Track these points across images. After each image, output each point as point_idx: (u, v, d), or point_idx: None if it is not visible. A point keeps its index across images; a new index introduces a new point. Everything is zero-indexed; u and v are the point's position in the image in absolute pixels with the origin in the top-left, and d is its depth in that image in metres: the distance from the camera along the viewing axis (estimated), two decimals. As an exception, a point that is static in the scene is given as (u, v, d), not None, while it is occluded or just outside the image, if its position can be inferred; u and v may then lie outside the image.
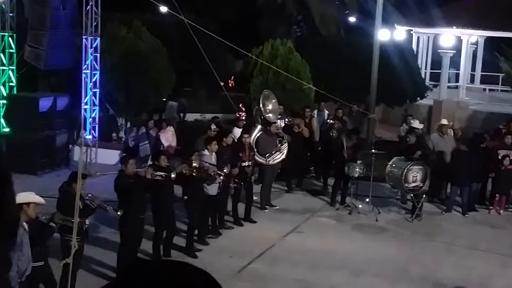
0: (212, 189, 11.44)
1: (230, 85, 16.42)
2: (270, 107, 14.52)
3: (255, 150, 13.37)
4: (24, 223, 7.55)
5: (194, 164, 10.74)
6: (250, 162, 12.80)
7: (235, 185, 12.57)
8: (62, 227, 8.45)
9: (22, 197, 7.47)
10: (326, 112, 17.47)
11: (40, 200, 7.81)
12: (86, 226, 8.76)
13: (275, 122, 14.31)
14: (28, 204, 7.55)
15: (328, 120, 16.46)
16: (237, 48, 16.74)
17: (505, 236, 12.67)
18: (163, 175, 10.09)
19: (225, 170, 11.55)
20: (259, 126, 14.20)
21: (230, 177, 12.10)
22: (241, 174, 12.54)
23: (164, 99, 20.08)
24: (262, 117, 14.32)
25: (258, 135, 13.89)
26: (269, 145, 13.75)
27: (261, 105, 14.42)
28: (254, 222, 12.94)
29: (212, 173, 11.16)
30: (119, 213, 9.35)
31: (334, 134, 14.78)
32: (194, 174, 10.76)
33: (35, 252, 7.82)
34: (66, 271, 8.09)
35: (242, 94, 18.93)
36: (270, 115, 14.32)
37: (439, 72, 24.81)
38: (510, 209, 14.44)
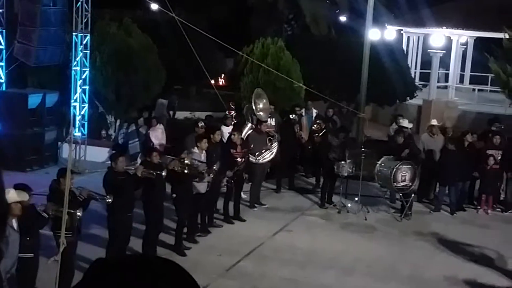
0: (201, 187, 11.43)
1: (221, 83, 16.39)
2: (261, 105, 14.52)
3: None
4: (13, 221, 7.50)
5: (186, 161, 10.72)
6: (242, 159, 12.73)
7: (227, 184, 12.53)
8: (54, 223, 8.41)
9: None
10: (314, 111, 17.47)
11: (20, 197, 7.64)
12: (79, 217, 8.67)
13: (265, 121, 14.31)
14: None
15: (315, 124, 16.34)
16: (228, 46, 16.71)
17: (493, 235, 12.73)
18: (154, 173, 10.06)
19: (214, 168, 11.54)
20: (249, 124, 14.19)
21: (221, 175, 12.08)
22: (234, 169, 12.50)
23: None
24: (253, 115, 14.32)
25: (248, 133, 13.87)
26: (259, 144, 13.74)
27: (252, 103, 14.41)
28: (243, 221, 12.94)
29: (202, 171, 11.14)
30: (109, 199, 9.29)
31: (316, 138, 15.02)
32: (185, 171, 10.71)
33: (25, 242, 7.78)
34: (65, 267, 8.06)
35: (233, 92, 18.91)
36: (261, 113, 14.31)
37: (429, 72, 24.88)
38: (498, 209, 14.53)
